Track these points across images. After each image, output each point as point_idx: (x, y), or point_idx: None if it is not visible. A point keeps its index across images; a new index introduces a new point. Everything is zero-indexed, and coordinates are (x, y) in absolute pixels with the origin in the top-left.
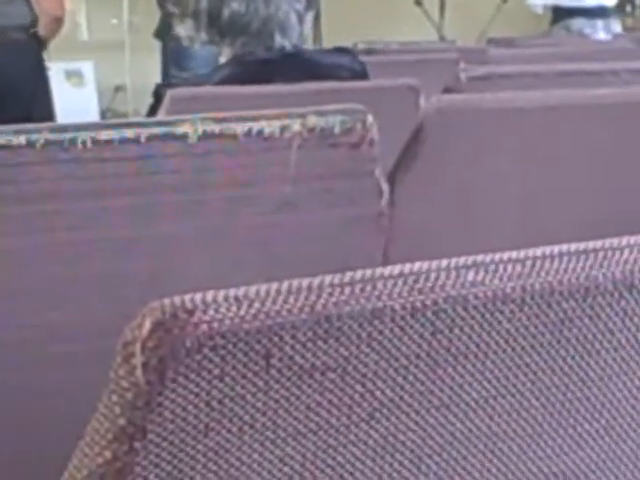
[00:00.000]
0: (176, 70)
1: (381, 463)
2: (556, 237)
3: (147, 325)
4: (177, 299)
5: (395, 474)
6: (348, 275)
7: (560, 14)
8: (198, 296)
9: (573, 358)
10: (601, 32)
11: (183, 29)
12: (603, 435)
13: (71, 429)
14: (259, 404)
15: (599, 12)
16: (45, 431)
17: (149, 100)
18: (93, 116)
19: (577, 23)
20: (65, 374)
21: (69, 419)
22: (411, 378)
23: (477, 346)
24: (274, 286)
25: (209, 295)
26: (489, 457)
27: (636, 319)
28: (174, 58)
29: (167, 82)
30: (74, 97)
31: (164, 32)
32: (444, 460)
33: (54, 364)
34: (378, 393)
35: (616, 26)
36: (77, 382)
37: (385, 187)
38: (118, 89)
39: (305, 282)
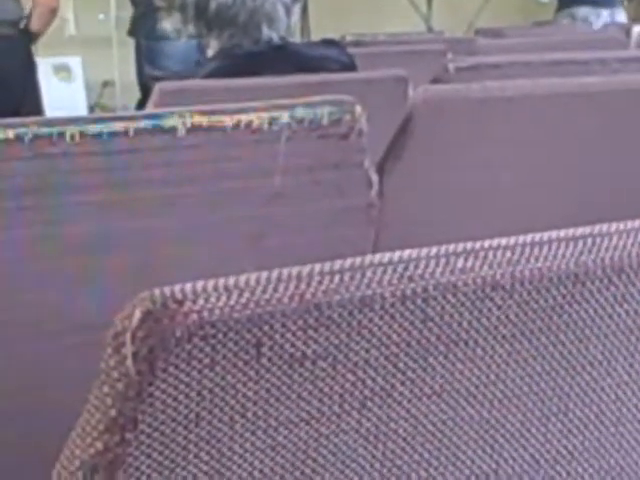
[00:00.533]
0: (149, 68)
1: (373, 451)
2: (546, 225)
3: (137, 315)
4: (167, 289)
5: (387, 462)
6: (337, 263)
7: (565, 2)
8: (188, 286)
9: (563, 344)
10: (606, 21)
11: (170, 23)
12: (594, 421)
13: (63, 421)
14: (250, 393)
15: (604, 1)
16: (38, 424)
17: (137, 95)
18: (81, 111)
19: (582, 11)
20: (51, 368)
21: (61, 412)
22: (402, 366)
23: (467, 333)
24: (264, 275)
25: (199, 285)
26: (481, 444)
27: (626, 305)
28: (147, 56)
29: (155, 76)
30: (62, 92)
31: (137, 30)
32: (436, 448)
33: (40, 358)
34: (369, 381)
35: (621, 15)
36: (63, 376)
37: (374, 178)
38: (106, 84)
39: (295, 271)
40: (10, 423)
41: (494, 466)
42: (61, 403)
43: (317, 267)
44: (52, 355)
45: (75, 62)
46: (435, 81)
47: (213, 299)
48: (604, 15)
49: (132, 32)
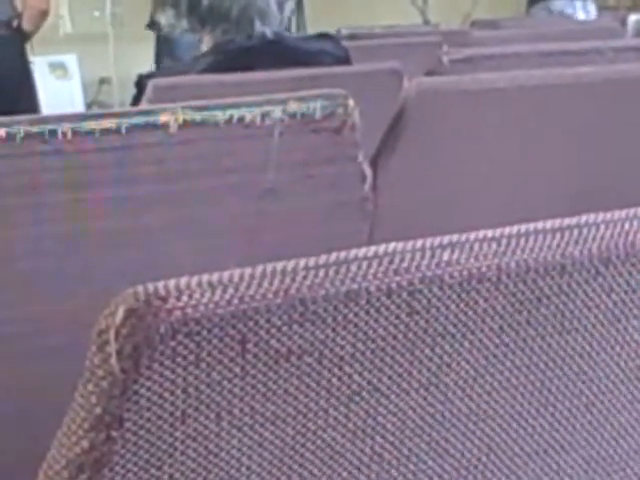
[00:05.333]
0: (169, 61)
1: (361, 446)
2: (540, 215)
3: (120, 312)
4: (150, 286)
5: (375, 457)
6: (322, 258)
7: None
8: (171, 282)
9: (551, 336)
10: (580, 12)
11: (164, 17)
12: (584, 412)
13: (55, 420)
14: (236, 389)
15: None
16: (31, 423)
17: (134, 92)
18: (78, 108)
19: (558, 4)
20: (49, 367)
21: (54, 411)
22: (388, 360)
23: (454, 326)
24: (248, 271)
25: (182, 281)
26: (469, 437)
27: (613, 295)
28: (167, 49)
29: (150, 72)
30: (59, 90)
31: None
32: (424, 441)
33: (38, 357)
34: (356, 376)
35: (592, 7)
36: (61, 375)
37: (368, 171)
38: (103, 81)
39: (279, 266)
40: (4, 423)
41: (483, 459)
42: (56, 403)
43: (302, 262)
44: (48, 354)
45: (71, 60)
46: (429, 73)
47: (197, 295)
48: (578, 6)
49: (151, 25)
